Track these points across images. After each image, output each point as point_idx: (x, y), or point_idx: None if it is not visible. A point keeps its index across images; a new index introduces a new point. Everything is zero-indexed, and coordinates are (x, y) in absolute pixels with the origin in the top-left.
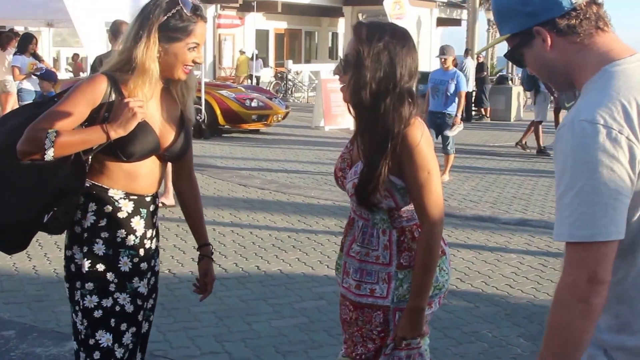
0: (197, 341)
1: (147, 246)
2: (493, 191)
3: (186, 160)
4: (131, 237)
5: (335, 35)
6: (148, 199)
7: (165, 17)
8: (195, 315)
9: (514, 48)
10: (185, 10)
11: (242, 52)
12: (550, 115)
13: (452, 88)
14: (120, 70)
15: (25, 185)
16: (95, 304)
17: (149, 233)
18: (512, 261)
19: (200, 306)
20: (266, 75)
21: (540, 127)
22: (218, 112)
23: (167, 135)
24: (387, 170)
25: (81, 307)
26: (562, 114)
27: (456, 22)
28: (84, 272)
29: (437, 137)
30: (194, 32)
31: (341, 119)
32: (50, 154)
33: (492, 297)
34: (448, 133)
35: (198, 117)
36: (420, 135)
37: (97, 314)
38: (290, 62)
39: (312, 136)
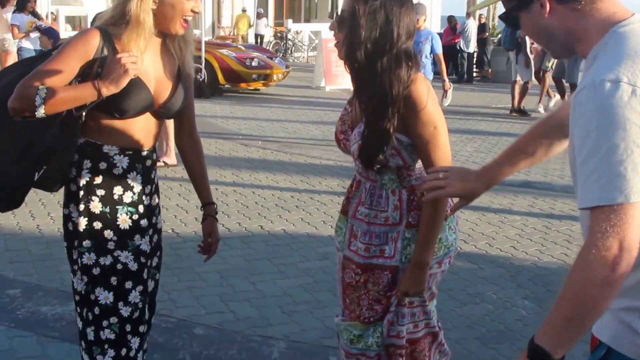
0: (202, 300)
1: (146, 203)
2: (496, 153)
3: (186, 117)
4: (128, 194)
5: None
6: (144, 153)
7: None
8: (199, 275)
9: (510, 11)
10: None
11: (244, 10)
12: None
13: (426, 49)
14: (113, 24)
15: (15, 142)
16: (94, 261)
17: (147, 189)
18: (516, 223)
19: (204, 266)
20: (266, 35)
21: (518, 86)
22: (218, 71)
23: (163, 91)
24: (392, 129)
25: (80, 265)
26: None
27: None
28: (81, 230)
29: None
30: None
31: (342, 79)
32: (41, 111)
33: (496, 259)
34: (445, 102)
35: (198, 77)
36: (426, 92)
37: (96, 271)
38: (290, 21)
39: (312, 96)
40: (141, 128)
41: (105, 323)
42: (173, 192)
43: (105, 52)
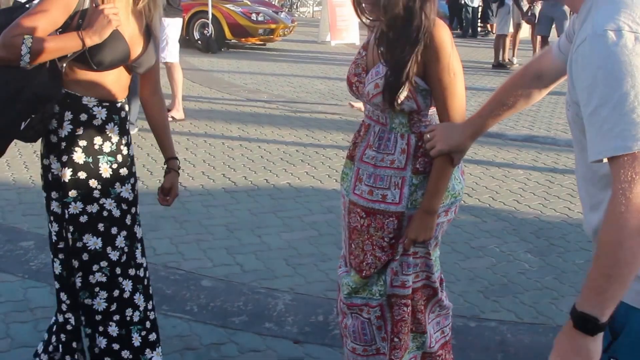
0: (209, 253)
1: (124, 152)
2: None
3: (153, 74)
4: (107, 144)
5: None
6: (119, 105)
7: None
8: (206, 228)
9: None
10: None
11: None
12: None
13: None
14: None
15: (1, 91)
16: (81, 209)
17: (124, 139)
18: (520, 177)
19: (211, 219)
20: None
21: (503, 40)
22: (225, 26)
23: (136, 46)
24: (415, 67)
25: (67, 215)
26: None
27: None
28: (66, 180)
29: None
30: None
31: (346, 34)
32: (26, 60)
33: (500, 212)
34: None
35: (206, 32)
36: (449, 38)
37: (83, 219)
38: None
39: (318, 51)
40: (115, 80)
41: (95, 267)
42: (180, 147)
43: (86, 4)
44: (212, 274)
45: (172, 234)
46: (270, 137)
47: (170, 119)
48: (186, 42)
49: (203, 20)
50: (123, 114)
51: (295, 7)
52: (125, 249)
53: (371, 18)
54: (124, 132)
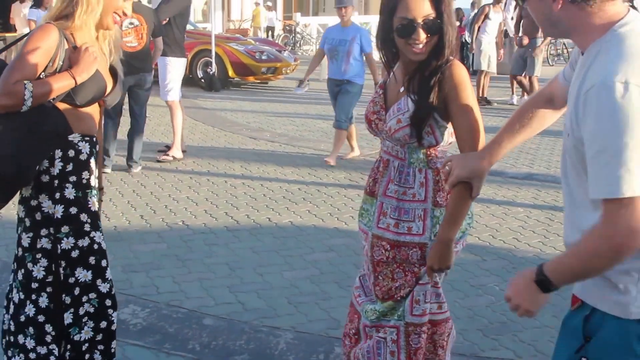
0: (211, 291)
1: (97, 185)
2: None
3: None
4: (92, 178)
5: None
6: (94, 139)
7: None
8: (209, 267)
9: None
10: None
11: (257, 4)
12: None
13: (355, 50)
14: (60, 18)
15: (15, 136)
16: (72, 244)
17: (96, 172)
18: (519, 215)
19: (214, 257)
20: (276, 28)
21: (483, 76)
22: (228, 64)
23: (108, 82)
24: (435, 99)
25: (59, 250)
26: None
27: None
28: (58, 217)
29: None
30: None
31: None
32: (28, 104)
33: (499, 251)
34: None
35: (209, 70)
36: (466, 73)
37: (75, 254)
38: (298, 14)
39: (320, 89)
40: (92, 116)
41: (84, 299)
42: (183, 185)
43: (64, 45)
44: (214, 313)
45: (174, 272)
46: (273, 175)
47: (170, 158)
48: (189, 80)
49: (206, 58)
50: (97, 147)
51: (298, 45)
52: (111, 282)
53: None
54: (96, 164)
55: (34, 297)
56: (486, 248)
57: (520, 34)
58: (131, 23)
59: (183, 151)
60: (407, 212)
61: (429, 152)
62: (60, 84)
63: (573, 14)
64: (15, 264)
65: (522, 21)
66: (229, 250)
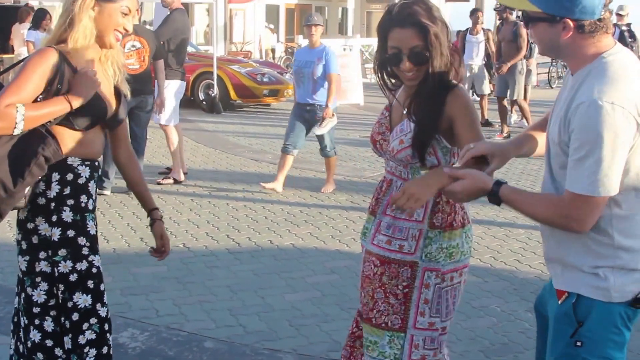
0: (212, 314)
1: (96, 211)
2: (507, 170)
3: (123, 131)
4: (90, 201)
5: (345, 11)
6: (96, 163)
7: None
8: (210, 289)
9: (535, 17)
10: None
11: (267, 27)
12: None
13: (319, 71)
14: (60, 41)
15: (4, 159)
16: (70, 268)
17: (96, 196)
18: (521, 236)
19: (215, 280)
20: (278, 51)
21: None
22: (230, 87)
23: (110, 104)
24: (438, 124)
25: (56, 274)
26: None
27: None
28: (55, 240)
29: (306, 135)
30: None
31: (350, 95)
32: (20, 128)
33: (501, 272)
34: (317, 131)
35: (210, 92)
36: (466, 98)
37: (73, 277)
38: (300, 37)
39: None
40: (93, 139)
41: (85, 325)
42: (184, 207)
43: (63, 68)
44: (214, 335)
45: (174, 295)
46: (275, 197)
47: (171, 181)
48: (191, 102)
49: (208, 81)
50: (99, 171)
51: None
52: (108, 306)
53: (394, 81)
54: (96, 189)
55: (37, 321)
56: (487, 270)
57: (498, 61)
58: (133, 45)
59: (184, 173)
60: (400, 231)
61: None
62: (54, 108)
63: (577, 42)
64: (18, 287)
65: (501, 45)
66: (230, 273)
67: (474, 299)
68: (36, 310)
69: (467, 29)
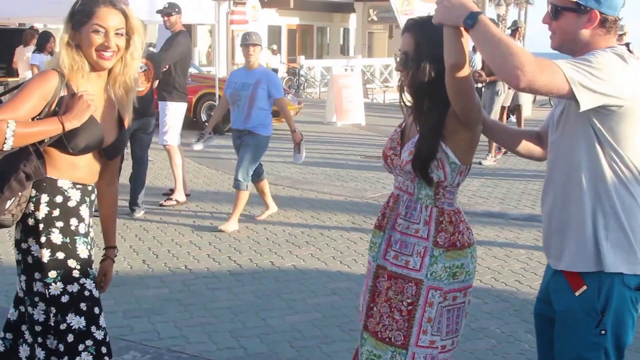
0: (214, 336)
1: (91, 234)
2: (502, 187)
3: (116, 162)
4: (82, 225)
5: (346, 31)
6: (89, 188)
7: (75, 6)
8: (211, 311)
9: (566, 8)
10: None
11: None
12: None
13: (260, 95)
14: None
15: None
16: (61, 289)
17: (91, 221)
18: (521, 257)
19: (216, 302)
20: (280, 71)
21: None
22: None
23: (110, 132)
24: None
25: (47, 296)
26: None
27: None
28: (45, 261)
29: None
30: (95, 15)
31: (352, 115)
32: (9, 144)
33: (501, 293)
34: (298, 159)
35: (213, 114)
36: None
37: (64, 299)
38: (302, 57)
39: (324, 132)
40: (88, 165)
41: (81, 347)
42: (186, 229)
43: (62, 92)
44: (216, 358)
45: (176, 317)
46: (276, 218)
47: (173, 202)
48: (193, 123)
49: (211, 102)
50: (93, 196)
51: (302, 88)
52: (106, 329)
53: (412, 101)
54: (91, 214)
55: (40, 339)
56: (488, 291)
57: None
58: (140, 67)
59: (187, 194)
60: (407, 246)
61: (437, 190)
62: (46, 128)
63: (595, 36)
64: (14, 304)
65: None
66: (231, 295)
67: (474, 320)
68: (38, 328)
69: None
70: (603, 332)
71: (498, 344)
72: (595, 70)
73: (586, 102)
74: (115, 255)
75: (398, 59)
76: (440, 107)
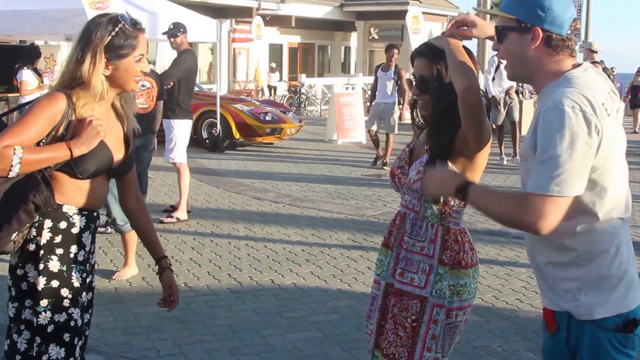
0: (213, 354)
1: (92, 261)
2: None
3: (132, 177)
4: (81, 252)
5: (347, 50)
6: (95, 214)
7: (110, 37)
8: (210, 329)
9: (507, 28)
10: (127, 27)
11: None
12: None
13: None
14: (69, 86)
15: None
16: (49, 319)
17: (93, 248)
18: (522, 275)
19: (216, 319)
20: (280, 89)
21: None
22: (233, 125)
23: (117, 152)
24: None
25: (35, 324)
26: None
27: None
28: (39, 289)
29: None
30: (138, 45)
31: (353, 133)
32: (16, 170)
33: (502, 312)
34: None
35: (213, 131)
36: None
37: (50, 329)
38: (303, 75)
39: (325, 150)
40: (95, 189)
41: None
42: (186, 246)
43: (70, 115)
44: None
45: (175, 334)
46: (277, 236)
47: (174, 220)
48: (194, 141)
49: (211, 119)
50: (97, 222)
51: (303, 106)
52: (79, 359)
53: (422, 122)
54: (94, 240)
55: None
56: (489, 309)
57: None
58: (143, 85)
59: (188, 212)
60: (412, 264)
61: (443, 209)
62: (54, 154)
63: (542, 56)
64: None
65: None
66: (231, 312)
67: (475, 338)
68: (18, 358)
69: (380, 65)
70: None
71: None
72: (567, 165)
73: (581, 189)
74: (170, 264)
75: (414, 83)
76: (452, 130)
